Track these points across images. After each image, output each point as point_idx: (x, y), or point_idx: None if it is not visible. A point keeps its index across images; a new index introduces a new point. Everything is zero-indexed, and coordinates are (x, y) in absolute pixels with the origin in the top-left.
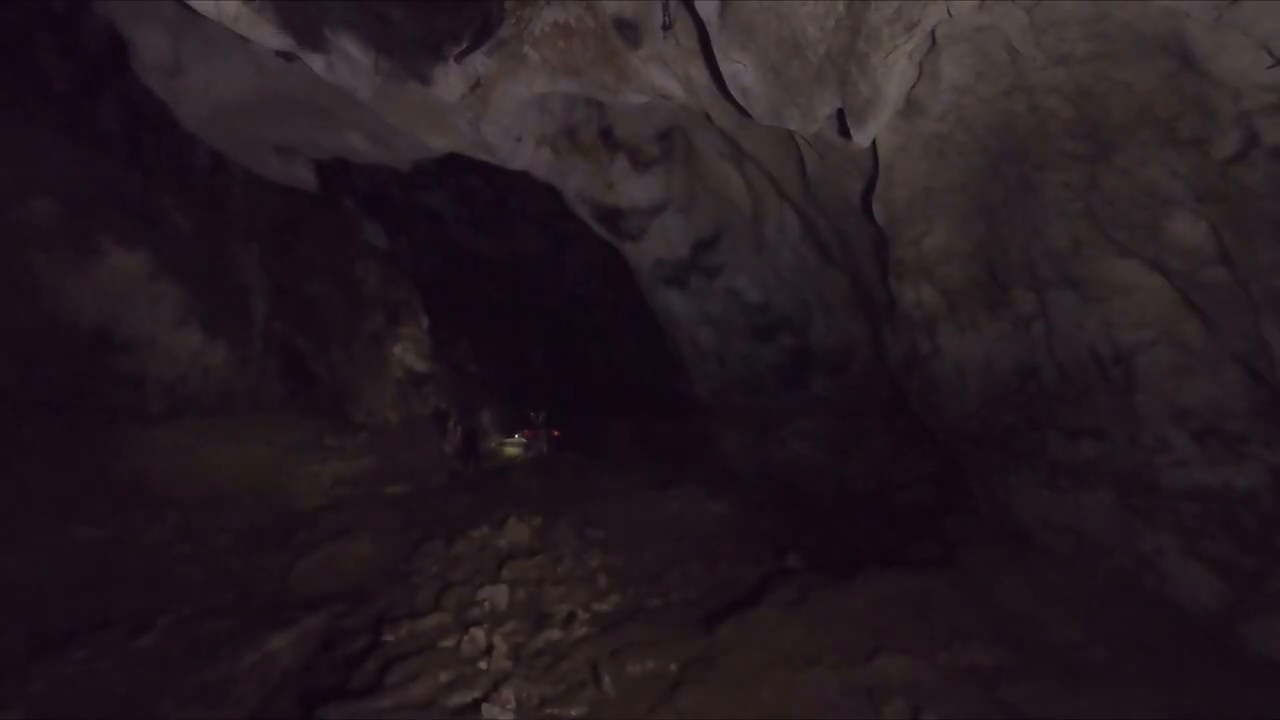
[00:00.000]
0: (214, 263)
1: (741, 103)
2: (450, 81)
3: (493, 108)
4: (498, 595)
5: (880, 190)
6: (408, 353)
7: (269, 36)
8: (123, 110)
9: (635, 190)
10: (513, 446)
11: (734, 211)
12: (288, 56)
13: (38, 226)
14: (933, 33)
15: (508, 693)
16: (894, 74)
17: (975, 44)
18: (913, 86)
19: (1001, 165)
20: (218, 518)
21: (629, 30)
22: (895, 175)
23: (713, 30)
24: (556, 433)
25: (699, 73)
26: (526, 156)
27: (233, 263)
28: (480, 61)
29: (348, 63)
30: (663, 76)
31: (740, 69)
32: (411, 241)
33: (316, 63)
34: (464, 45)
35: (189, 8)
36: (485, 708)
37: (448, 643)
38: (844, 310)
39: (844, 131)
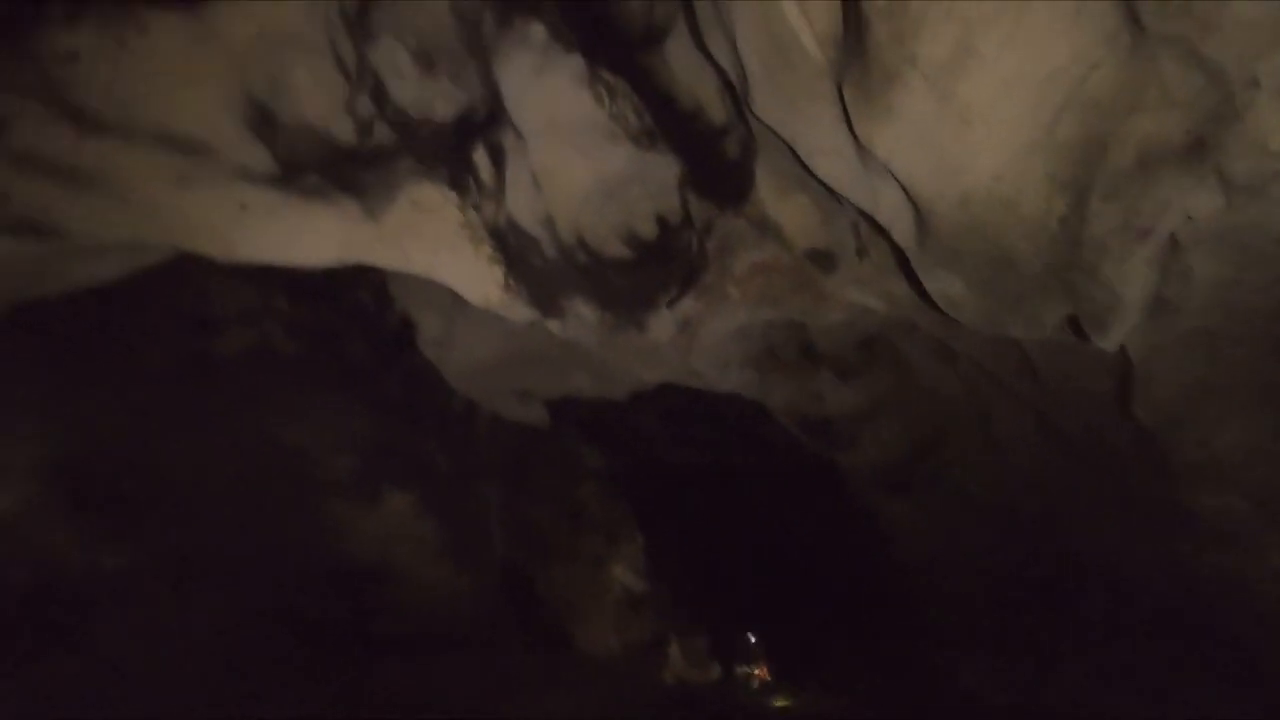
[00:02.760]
0: (463, 497)
1: (951, 314)
2: (663, 325)
3: (700, 342)
4: None
5: (1140, 390)
6: (627, 573)
7: (519, 313)
8: (404, 377)
9: (842, 400)
10: (733, 676)
11: (953, 413)
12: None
13: (338, 480)
14: (1173, 235)
15: None
16: (1132, 280)
17: (1231, 241)
18: (1159, 286)
19: None
20: None
21: (824, 259)
22: (1155, 373)
23: (912, 254)
24: (770, 669)
25: (899, 287)
26: (733, 379)
27: (478, 496)
28: (688, 305)
29: (578, 321)
30: (861, 295)
31: (947, 285)
32: (627, 463)
33: (554, 325)
34: (673, 294)
35: (459, 296)
36: None
37: None
38: (1104, 514)
39: (1079, 334)
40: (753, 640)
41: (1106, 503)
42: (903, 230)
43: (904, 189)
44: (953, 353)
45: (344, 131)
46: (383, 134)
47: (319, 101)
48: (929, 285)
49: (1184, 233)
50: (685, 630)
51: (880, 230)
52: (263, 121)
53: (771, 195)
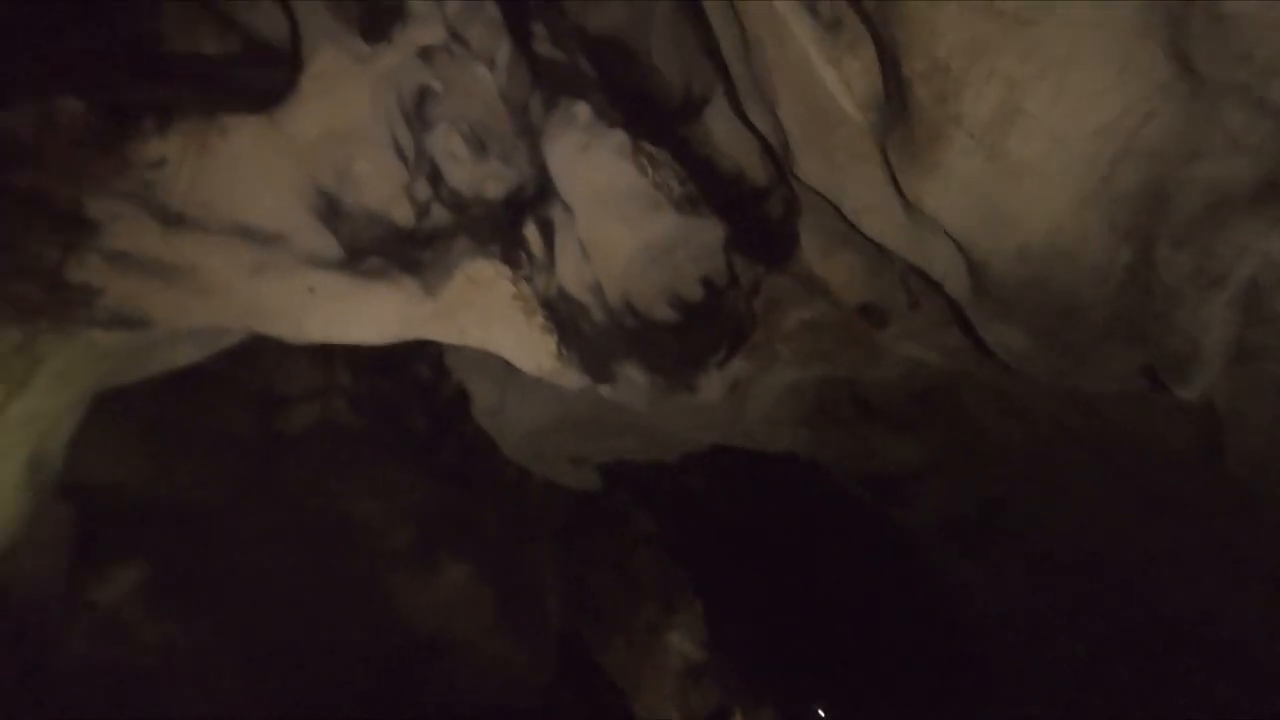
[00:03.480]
0: (518, 565)
1: (1013, 364)
2: (713, 386)
3: (752, 401)
4: None
5: (1230, 440)
6: (685, 642)
7: (572, 380)
8: (460, 446)
9: (901, 455)
10: None
11: (1022, 467)
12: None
13: (398, 551)
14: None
15: None
16: (1211, 327)
17: None
18: (1242, 331)
19: None
20: None
21: (874, 314)
22: (1245, 422)
23: (968, 307)
24: None
25: (955, 339)
26: (787, 438)
27: (533, 564)
28: (738, 365)
29: (629, 385)
30: (915, 348)
31: (1007, 337)
32: (682, 526)
33: (605, 390)
34: (722, 354)
35: (512, 365)
36: None
37: None
38: (1199, 573)
39: (1156, 384)
40: (820, 714)
41: (1201, 561)
42: (956, 283)
43: (956, 243)
44: (1018, 405)
45: (403, 215)
46: (439, 215)
47: (380, 188)
48: (988, 338)
49: (1265, 276)
50: (749, 702)
51: (932, 283)
52: (329, 210)
53: (817, 253)
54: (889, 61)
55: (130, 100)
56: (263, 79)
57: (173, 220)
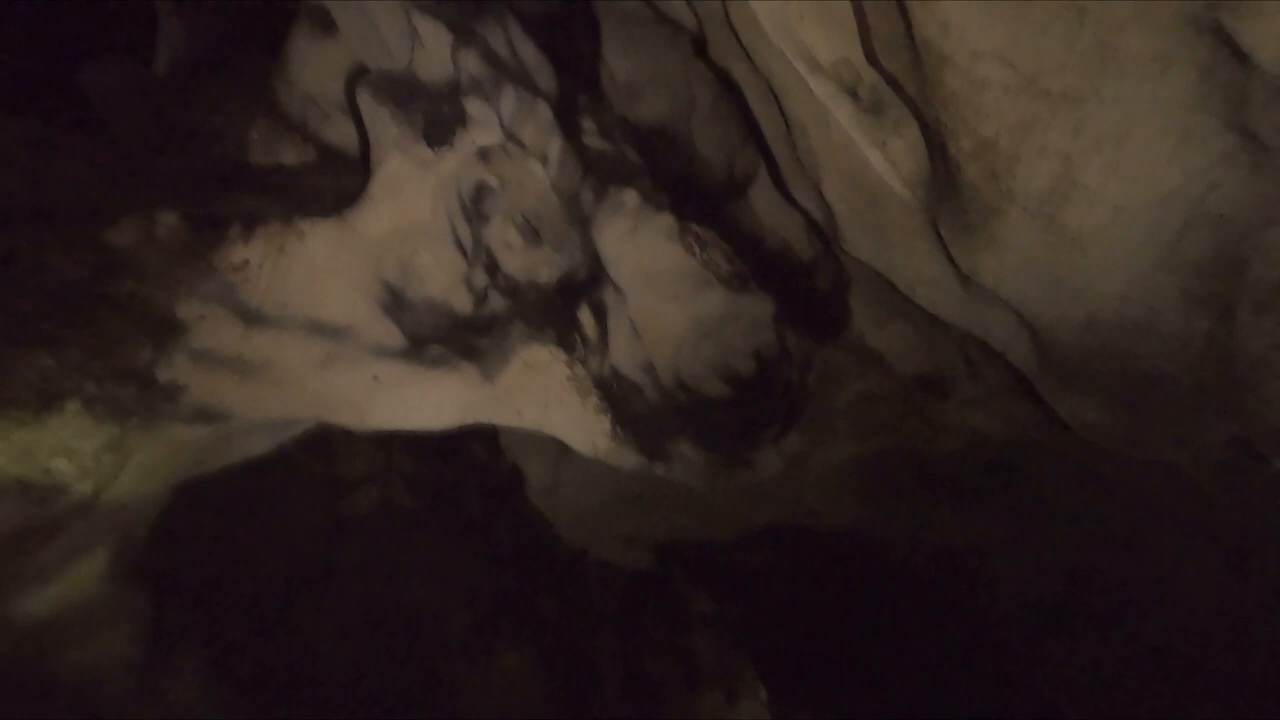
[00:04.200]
0: (574, 651)
1: (1087, 436)
2: (769, 462)
3: (809, 476)
4: None
5: None
6: None
7: (627, 459)
8: (515, 527)
9: (971, 531)
10: None
11: (1107, 543)
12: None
13: (455, 637)
14: None
15: None
16: None
17: None
18: None
19: None
20: None
21: (933, 384)
22: None
23: (1035, 378)
24: None
25: (1023, 409)
26: (848, 514)
27: (588, 649)
28: (794, 440)
29: (684, 463)
30: (979, 418)
31: (1080, 409)
32: (742, 608)
33: (659, 468)
34: (777, 429)
35: (565, 445)
36: None
37: None
38: None
39: (1253, 455)
40: None
41: None
42: (1021, 354)
43: (1018, 314)
44: (1097, 476)
45: (462, 303)
46: (496, 302)
47: (441, 279)
48: (1059, 409)
49: None
50: None
51: (994, 353)
52: (394, 302)
53: (870, 324)
54: (935, 140)
55: (219, 211)
56: (336, 185)
57: (252, 318)
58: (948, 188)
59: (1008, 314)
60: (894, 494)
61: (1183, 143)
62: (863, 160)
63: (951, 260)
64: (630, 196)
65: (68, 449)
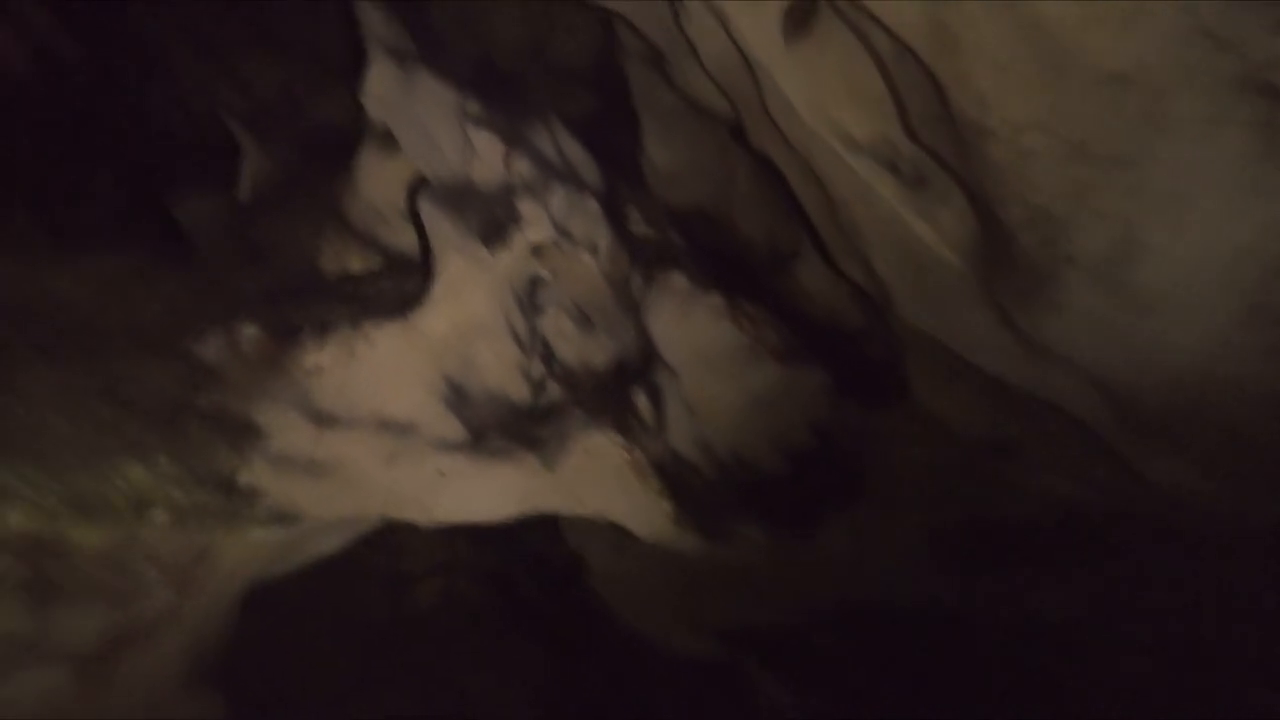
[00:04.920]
0: None
1: (1183, 499)
2: (834, 536)
3: (878, 550)
4: None
5: None
6: None
7: (689, 542)
8: (577, 615)
9: (1060, 601)
10: None
11: (1216, 614)
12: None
13: None
14: None
15: None
16: None
17: None
18: None
19: None
20: None
21: (1000, 447)
22: None
23: (1115, 441)
24: None
25: (1105, 470)
26: (925, 587)
27: None
28: (859, 512)
29: (746, 542)
30: (1056, 481)
31: (1169, 472)
32: (820, 697)
33: (721, 549)
34: (840, 502)
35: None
36: None
37: None
38: None
39: None
40: None
41: None
42: (1098, 417)
43: (1091, 376)
44: (1195, 540)
45: (520, 394)
46: (553, 391)
47: (499, 372)
48: (1148, 472)
49: None
50: None
51: (1065, 414)
52: (455, 397)
53: (929, 390)
54: (982, 208)
55: (294, 320)
56: (400, 288)
57: (324, 420)
58: (1001, 254)
59: (1077, 375)
60: (972, 565)
61: (1251, 195)
62: (910, 231)
63: (1011, 325)
64: (678, 279)
65: (156, 556)
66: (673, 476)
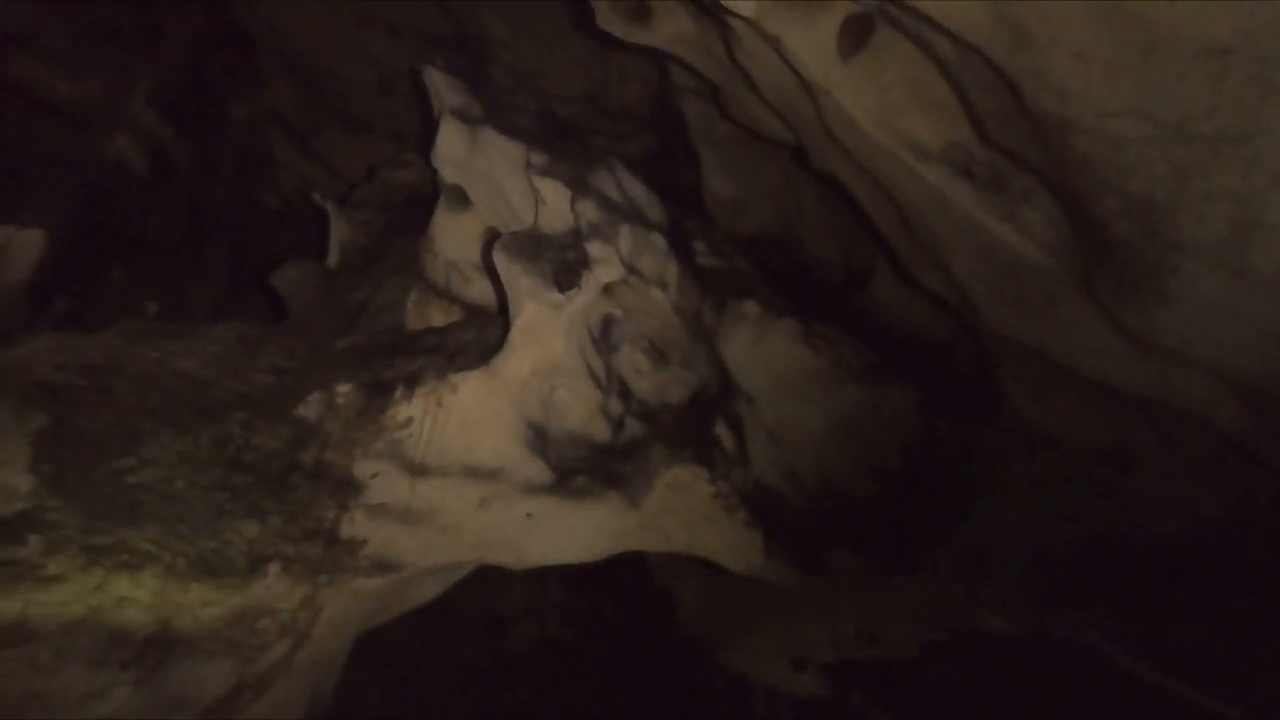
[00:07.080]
0: None
1: None
2: (938, 563)
3: (992, 576)
4: None
5: None
6: None
7: (782, 575)
8: (670, 653)
9: (1198, 627)
10: None
11: None
12: None
13: None
14: None
15: None
16: None
17: None
18: None
19: None
20: None
21: (1115, 458)
22: None
23: (1249, 441)
24: None
25: (1238, 477)
26: (1042, 618)
27: None
28: (966, 535)
29: (842, 572)
30: (1185, 491)
31: None
32: None
33: (817, 580)
34: (942, 525)
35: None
36: None
37: None
38: None
39: None
40: None
41: None
42: (1227, 415)
43: (1213, 371)
44: None
45: (601, 432)
46: (633, 427)
47: (579, 412)
48: None
49: None
50: None
51: (1189, 416)
52: (538, 439)
53: (1028, 401)
54: (1070, 203)
55: (385, 376)
56: (480, 338)
57: (417, 470)
58: (1097, 248)
59: (1199, 372)
60: (1098, 591)
61: None
62: (991, 236)
63: (1116, 322)
64: (750, 307)
65: (271, 609)
66: (760, 507)
